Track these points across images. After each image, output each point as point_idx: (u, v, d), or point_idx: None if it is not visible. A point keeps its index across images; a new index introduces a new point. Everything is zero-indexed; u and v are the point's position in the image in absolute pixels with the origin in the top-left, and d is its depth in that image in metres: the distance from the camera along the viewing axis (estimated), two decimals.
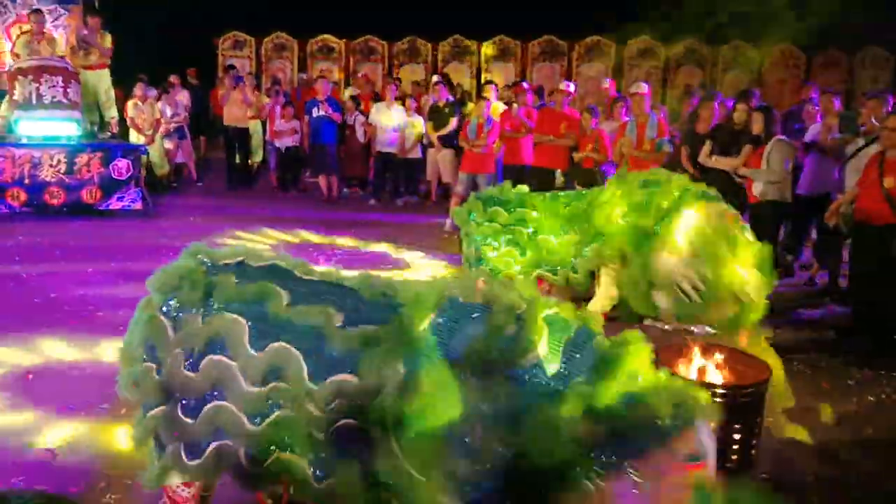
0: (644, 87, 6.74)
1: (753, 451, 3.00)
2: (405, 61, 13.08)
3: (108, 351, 3.80)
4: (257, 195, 9.23)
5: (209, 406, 1.93)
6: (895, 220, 4.23)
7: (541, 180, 6.96)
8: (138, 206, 7.59)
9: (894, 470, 3.08)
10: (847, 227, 5.00)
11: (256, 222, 7.32)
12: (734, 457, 2.95)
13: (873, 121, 5.42)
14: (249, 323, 1.92)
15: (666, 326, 4.64)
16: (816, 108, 6.20)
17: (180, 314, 2.03)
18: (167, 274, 2.09)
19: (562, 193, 4.43)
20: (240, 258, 2.16)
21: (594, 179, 6.47)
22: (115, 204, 7.50)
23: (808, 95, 7.16)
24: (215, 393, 1.93)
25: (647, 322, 4.70)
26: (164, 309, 2.06)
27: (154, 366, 2.02)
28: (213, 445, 1.95)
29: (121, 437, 3.03)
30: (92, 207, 7.41)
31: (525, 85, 8.52)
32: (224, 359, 1.91)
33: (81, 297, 4.85)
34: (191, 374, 1.95)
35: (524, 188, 4.49)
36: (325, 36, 13.01)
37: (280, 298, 1.95)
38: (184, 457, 1.98)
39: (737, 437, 2.93)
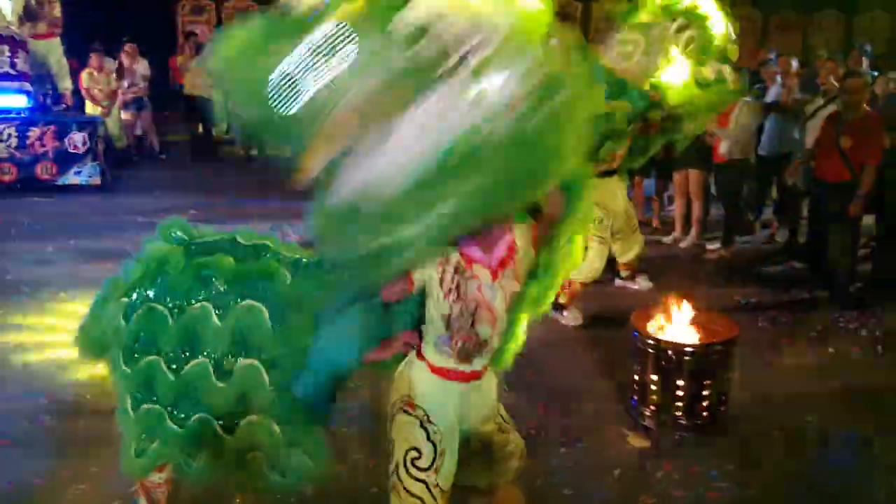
0: None
1: (723, 408, 3.10)
2: None
3: (70, 335, 3.73)
4: (223, 166, 8.99)
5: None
6: (850, 177, 4.36)
7: None
8: (97, 180, 7.33)
9: (854, 418, 3.21)
10: (805, 184, 5.14)
11: (223, 195, 7.16)
12: (705, 413, 3.05)
13: (832, 80, 5.53)
14: (268, 310, 1.83)
15: (636, 287, 4.74)
16: (776, 69, 6.27)
17: (170, 300, 1.92)
18: (147, 259, 1.98)
19: None
20: (228, 236, 2.06)
21: None
22: (72, 179, 7.24)
23: (766, 57, 7.24)
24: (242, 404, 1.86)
25: (619, 283, 4.80)
26: (153, 296, 1.94)
27: (160, 358, 1.89)
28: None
29: (84, 425, 2.95)
30: (48, 183, 7.15)
31: None
32: (255, 363, 1.84)
33: (40, 278, 4.69)
34: (221, 384, 1.85)
35: None
36: None
37: (284, 277, 1.87)
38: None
39: (706, 392, 3.02)
